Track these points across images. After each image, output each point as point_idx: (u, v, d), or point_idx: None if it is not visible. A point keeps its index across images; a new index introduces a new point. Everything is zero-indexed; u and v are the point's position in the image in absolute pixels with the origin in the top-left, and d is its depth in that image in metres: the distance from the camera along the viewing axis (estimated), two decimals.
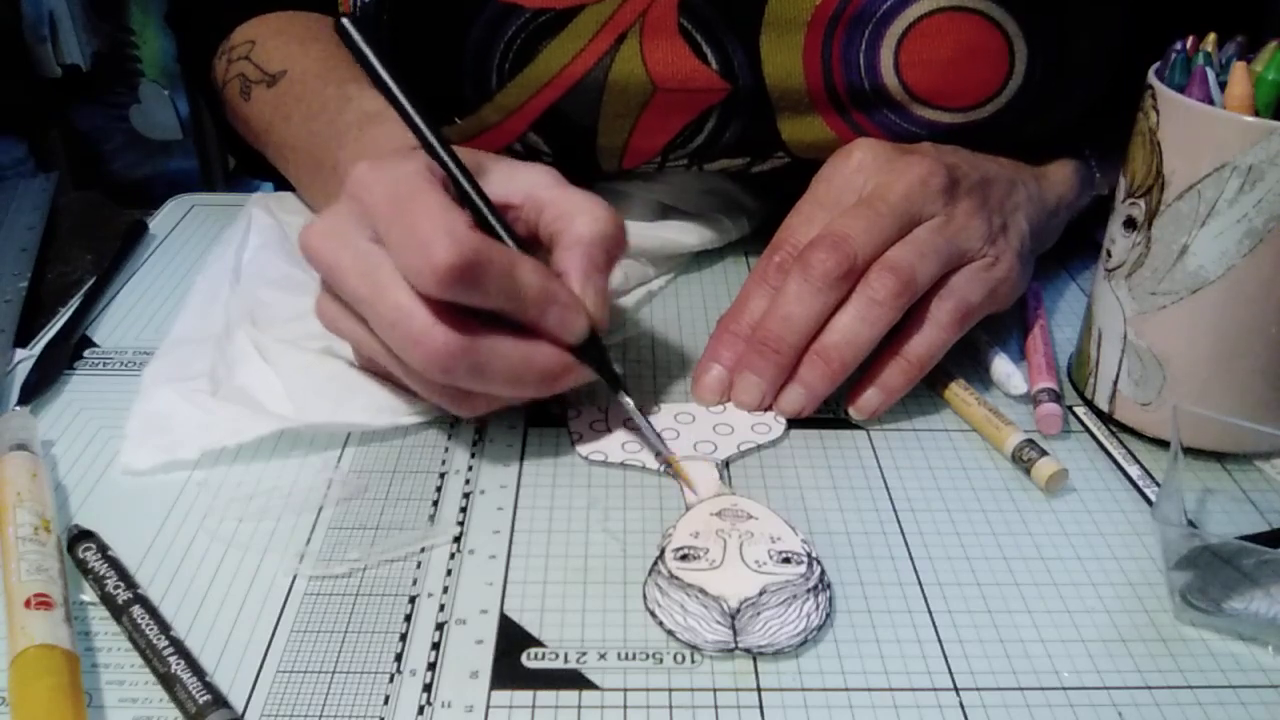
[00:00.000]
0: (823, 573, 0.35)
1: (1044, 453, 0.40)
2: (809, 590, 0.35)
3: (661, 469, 0.41)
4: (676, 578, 0.35)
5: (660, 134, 0.52)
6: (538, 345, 0.38)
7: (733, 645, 0.33)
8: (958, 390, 0.44)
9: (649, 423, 0.41)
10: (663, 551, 0.36)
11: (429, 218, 0.34)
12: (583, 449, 0.42)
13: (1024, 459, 0.41)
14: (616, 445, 0.42)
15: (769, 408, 0.44)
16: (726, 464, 0.41)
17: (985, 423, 0.42)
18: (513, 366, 0.37)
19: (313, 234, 0.38)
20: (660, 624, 0.33)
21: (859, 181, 0.46)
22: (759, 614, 0.34)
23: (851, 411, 0.44)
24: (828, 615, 0.34)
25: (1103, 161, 0.54)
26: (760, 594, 0.34)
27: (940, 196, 0.45)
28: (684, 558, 0.36)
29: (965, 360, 0.47)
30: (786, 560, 0.36)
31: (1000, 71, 0.47)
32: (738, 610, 0.34)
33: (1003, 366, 0.46)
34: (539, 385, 0.38)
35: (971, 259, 0.45)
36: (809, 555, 0.36)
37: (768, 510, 0.38)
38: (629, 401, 0.41)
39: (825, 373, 0.43)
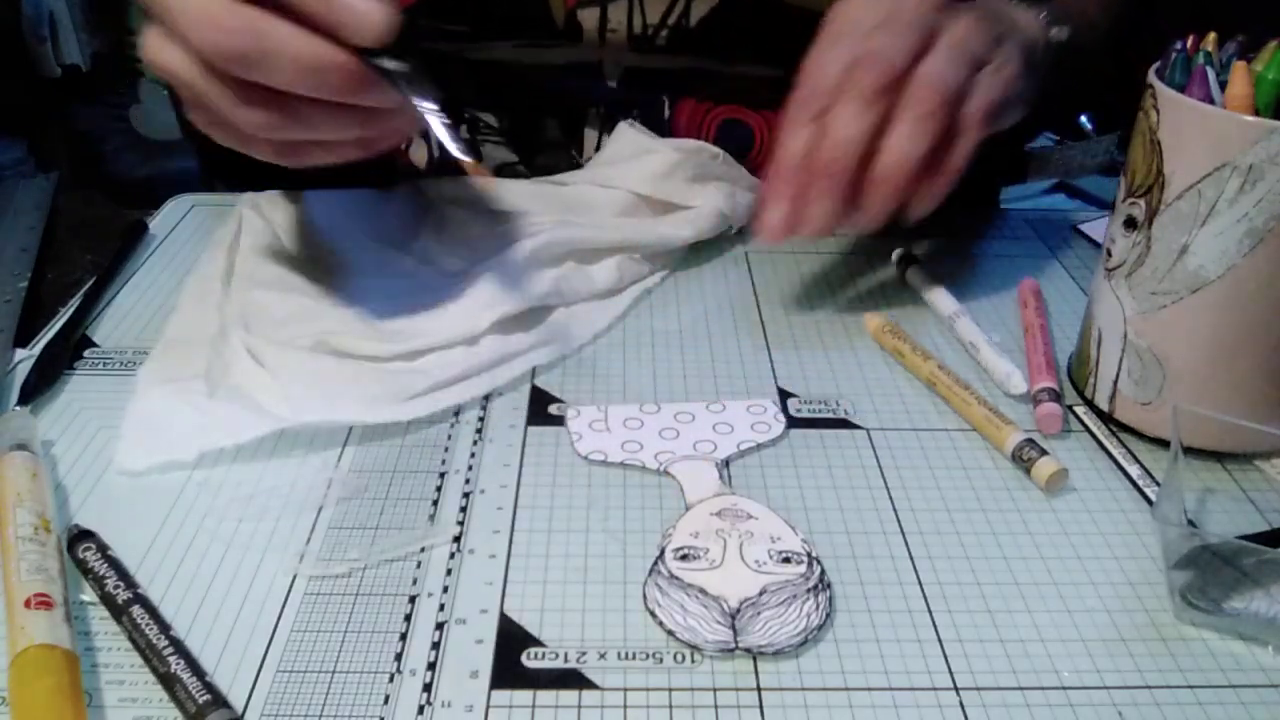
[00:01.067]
0: (823, 572, 0.35)
1: (1044, 452, 0.40)
2: (809, 590, 0.35)
3: (661, 468, 0.41)
4: (676, 578, 0.35)
5: None
6: (331, 44, 0.38)
7: (733, 645, 0.33)
8: (958, 390, 0.44)
9: (450, 131, 0.40)
10: (663, 551, 0.36)
11: None
12: (582, 448, 0.42)
13: (1024, 459, 0.41)
14: (616, 445, 0.42)
15: (831, 233, 0.45)
16: (726, 463, 0.41)
17: (985, 422, 0.42)
18: (300, 53, 0.37)
19: None
20: (660, 624, 0.33)
21: (867, 13, 0.47)
22: (759, 614, 0.34)
23: (903, 216, 0.45)
24: (828, 615, 0.34)
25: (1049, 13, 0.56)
26: (760, 594, 0.34)
27: (946, 8, 0.46)
28: (684, 558, 0.36)
29: (965, 360, 0.47)
30: (786, 560, 0.36)
31: None
32: (738, 610, 0.34)
33: (1002, 366, 0.46)
34: (333, 87, 0.38)
35: (985, 62, 0.46)
36: (809, 555, 0.36)
37: (768, 510, 0.38)
38: (433, 111, 0.39)
39: (888, 193, 0.44)
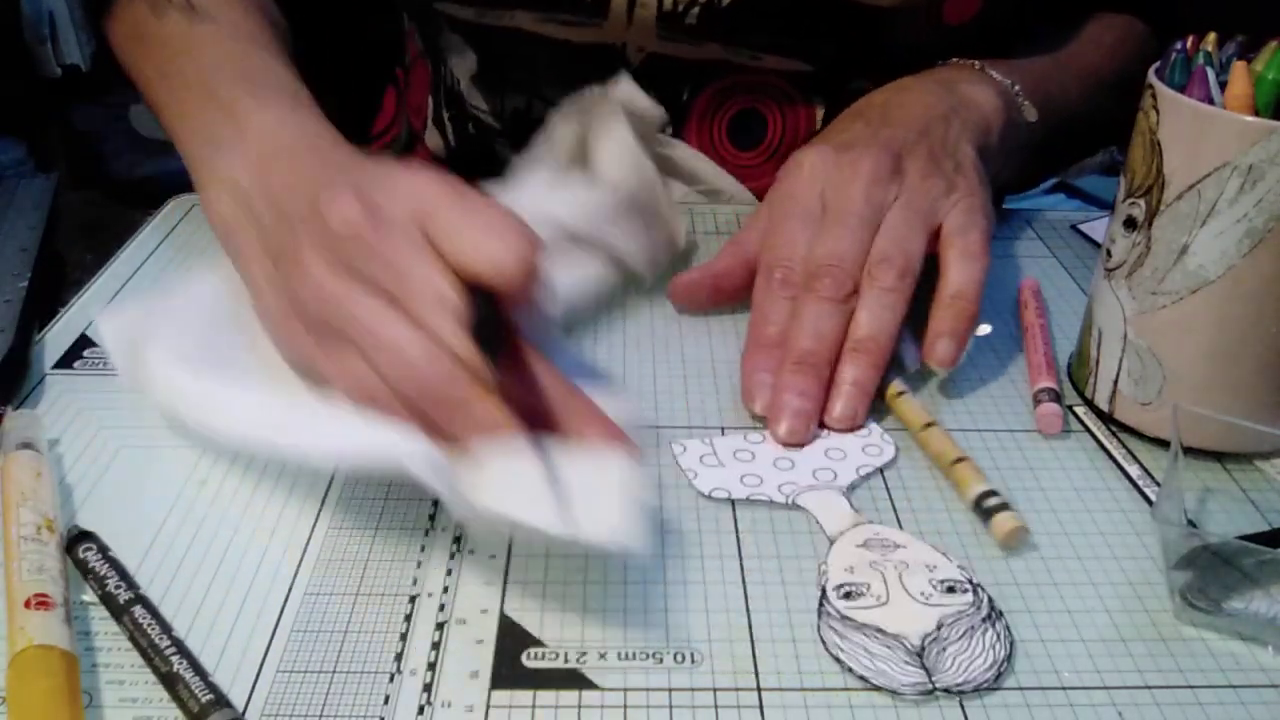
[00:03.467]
0: (991, 599, 0.35)
1: (1005, 506, 0.38)
2: (984, 620, 0.34)
3: (788, 500, 0.39)
4: (848, 618, 0.34)
5: None
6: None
7: (930, 686, 0.32)
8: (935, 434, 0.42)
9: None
10: (824, 590, 0.35)
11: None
12: (703, 486, 0.40)
13: (984, 508, 0.38)
14: (735, 479, 0.40)
15: (819, 425, 0.43)
16: (851, 489, 0.40)
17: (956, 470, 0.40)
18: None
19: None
20: (850, 670, 0.32)
21: (816, 189, 0.48)
22: (944, 649, 0.33)
23: (934, 366, 0.44)
24: (1011, 644, 0.33)
25: (1025, 89, 0.57)
26: (938, 628, 0.33)
27: (894, 180, 0.48)
28: (847, 595, 0.35)
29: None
30: (951, 589, 0.35)
31: None
32: (922, 648, 0.33)
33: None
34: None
35: (947, 208, 0.48)
36: (972, 583, 0.35)
37: (911, 536, 0.37)
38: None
39: (866, 363, 0.44)
